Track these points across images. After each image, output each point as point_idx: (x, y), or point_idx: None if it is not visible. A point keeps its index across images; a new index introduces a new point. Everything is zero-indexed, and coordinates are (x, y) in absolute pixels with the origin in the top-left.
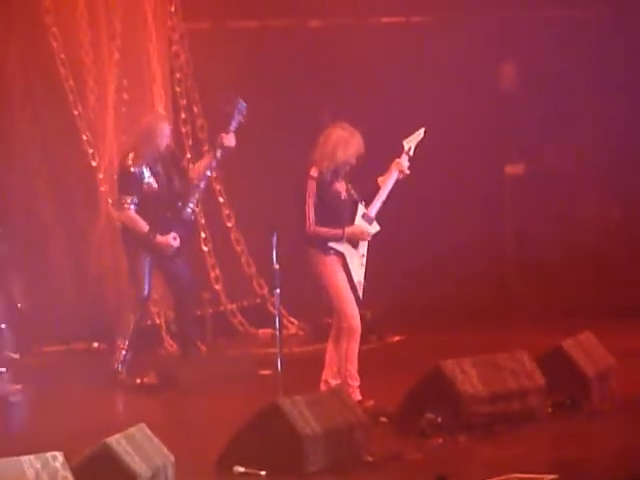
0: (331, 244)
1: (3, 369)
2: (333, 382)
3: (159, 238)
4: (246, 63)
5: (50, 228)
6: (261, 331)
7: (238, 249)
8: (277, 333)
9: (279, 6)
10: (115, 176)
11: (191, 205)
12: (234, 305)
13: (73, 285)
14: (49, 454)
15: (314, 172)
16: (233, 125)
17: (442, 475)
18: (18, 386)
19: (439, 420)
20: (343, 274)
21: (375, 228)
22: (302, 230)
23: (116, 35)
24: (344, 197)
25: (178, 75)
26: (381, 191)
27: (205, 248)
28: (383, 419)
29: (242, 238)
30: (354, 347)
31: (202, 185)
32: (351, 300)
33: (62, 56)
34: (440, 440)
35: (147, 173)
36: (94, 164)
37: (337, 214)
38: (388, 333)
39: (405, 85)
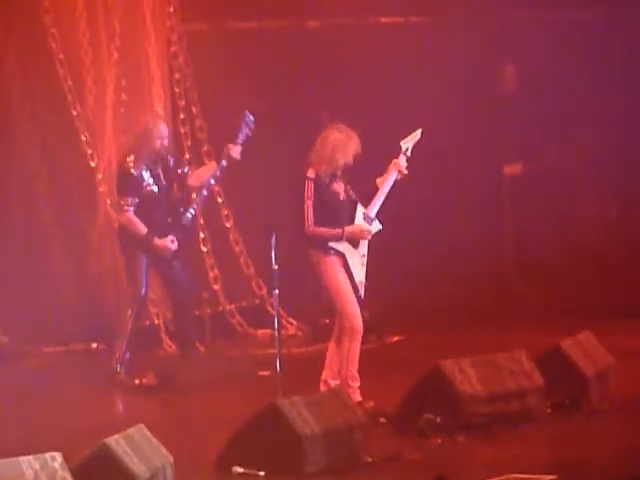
0: (331, 244)
1: None
2: (332, 382)
3: (157, 241)
4: (245, 64)
5: (49, 228)
6: (260, 332)
7: (237, 249)
8: (276, 334)
9: (277, 7)
10: (114, 177)
11: (192, 211)
12: (233, 305)
13: (72, 285)
14: (48, 454)
15: (311, 173)
16: (240, 138)
17: (441, 475)
18: None
19: (438, 420)
20: (344, 274)
21: (377, 227)
22: (301, 231)
23: (115, 35)
24: (342, 198)
25: (177, 76)
26: (380, 192)
27: (204, 248)
28: (382, 419)
29: (241, 238)
30: (356, 348)
31: (205, 192)
32: (352, 300)
33: (61, 56)
34: (439, 440)
35: (147, 175)
36: (93, 164)
37: (336, 215)
38: (387, 333)
39: (404, 85)
